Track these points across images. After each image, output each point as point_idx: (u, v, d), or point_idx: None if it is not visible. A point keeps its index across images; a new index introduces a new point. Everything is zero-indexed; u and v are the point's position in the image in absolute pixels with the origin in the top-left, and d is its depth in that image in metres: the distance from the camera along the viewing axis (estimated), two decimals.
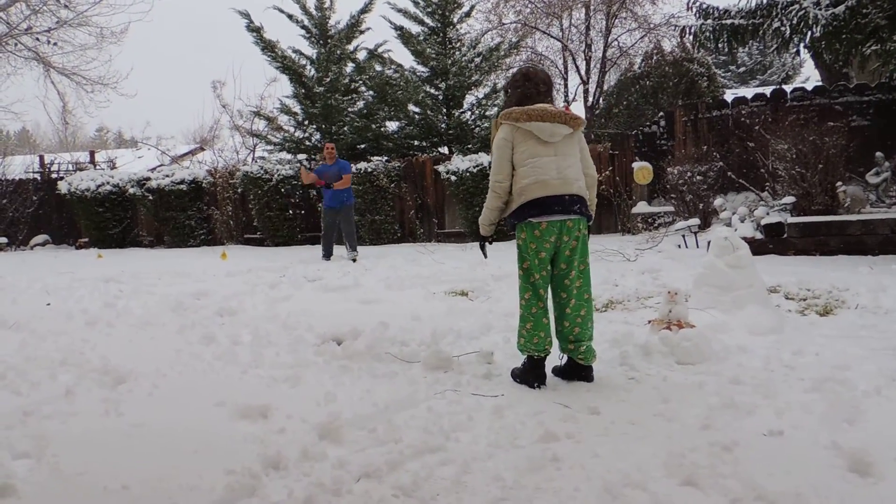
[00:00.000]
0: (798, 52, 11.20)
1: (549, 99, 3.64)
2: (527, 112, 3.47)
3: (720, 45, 10.63)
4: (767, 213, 8.86)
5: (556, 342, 3.61)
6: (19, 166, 18.04)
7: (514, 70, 3.80)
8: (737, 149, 11.28)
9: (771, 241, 8.44)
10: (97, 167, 18.44)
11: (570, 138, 3.56)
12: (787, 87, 12.89)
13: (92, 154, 20.57)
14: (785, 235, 8.44)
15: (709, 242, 7.26)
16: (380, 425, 2.89)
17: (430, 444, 2.68)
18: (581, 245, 3.53)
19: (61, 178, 16.74)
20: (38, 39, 16.66)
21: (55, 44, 16.88)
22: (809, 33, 9.24)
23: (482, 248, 3.99)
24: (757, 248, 7.66)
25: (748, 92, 14.31)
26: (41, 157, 19.59)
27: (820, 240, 8.24)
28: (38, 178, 17.81)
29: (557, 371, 3.65)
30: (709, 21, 10.46)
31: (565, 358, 3.63)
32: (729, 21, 10.16)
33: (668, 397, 3.18)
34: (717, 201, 10.09)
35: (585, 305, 3.57)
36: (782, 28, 9.38)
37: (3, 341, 4.63)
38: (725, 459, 2.45)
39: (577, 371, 3.56)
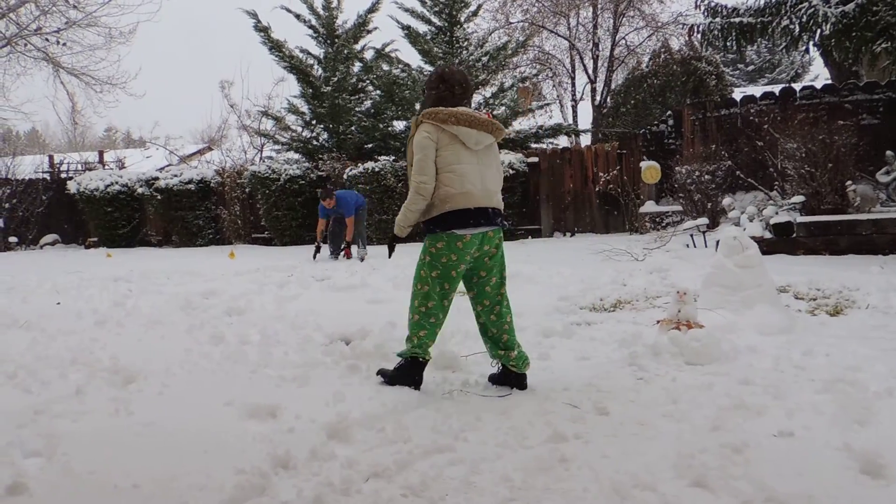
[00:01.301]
0: (807, 51, 11.14)
1: (467, 102, 3.54)
2: (455, 115, 3.36)
3: (729, 44, 10.58)
4: (776, 213, 8.82)
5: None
6: (29, 166, 18.15)
7: (432, 70, 3.72)
8: (745, 148, 11.24)
9: (780, 241, 8.40)
10: (106, 167, 18.54)
11: (490, 148, 3.51)
12: (797, 86, 12.84)
13: (101, 154, 20.68)
14: (794, 235, 8.39)
15: (717, 242, 7.23)
16: (388, 425, 2.89)
17: (439, 444, 2.68)
18: (500, 254, 3.53)
19: (70, 178, 16.84)
20: (47, 40, 16.73)
21: (64, 44, 16.94)
22: (819, 31, 9.20)
23: (391, 248, 3.85)
24: (766, 247, 7.63)
25: (757, 90, 14.25)
26: (51, 157, 19.71)
27: (830, 239, 8.19)
28: (48, 177, 17.91)
29: (493, 379, 3.56)
30: (717, 19, 10.41)
31: (499, 364, 3.55)
32: (737, 19, 10.11)
33: (677, 398, 3.17)
34: (726, 200, 10.06)
35: (510, 313, 3.59)
36: (791, 26, 9.34)
37: (13, 340, 4.65)
38: (736, 461, 2.44)
39: (511, 379, 3.48)
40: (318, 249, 10.35)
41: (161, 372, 3.74)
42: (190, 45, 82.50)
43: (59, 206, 17.12)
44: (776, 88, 12.32)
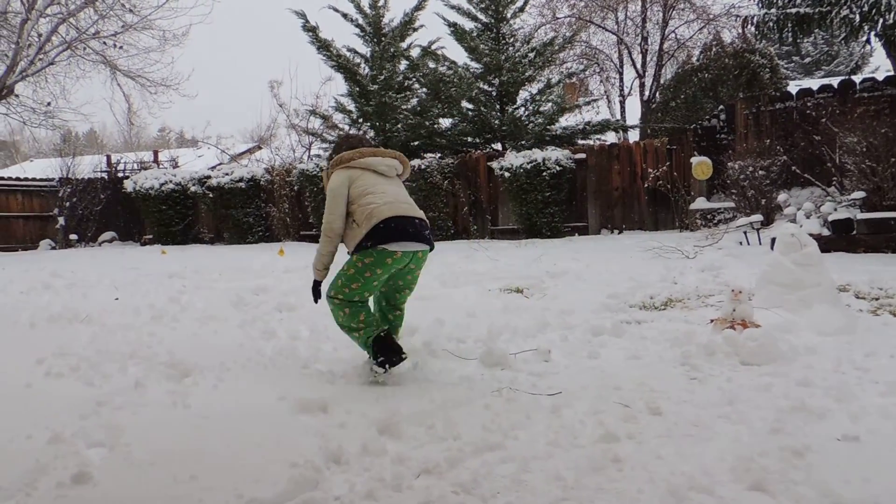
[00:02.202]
0: (868, 41, 10.72)
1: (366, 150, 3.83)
2: (358, 152, 3.68)
3: (784, 35, 10.26)
4: (835, 209, 8.52)
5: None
6: (88, 166, 18.77)
7: (334, 139, 3.99)
8: (802, 142, 10.87)
9: (839, 238, 8.12)
10: (160, 166, 19.06)
11: (400, 178, 3.85)
12: (856, 78, 12.36)
13: (155, 153, 21.27)
14: (854, 232, 8.10)
15: (772, 239, 7.03)
16: (438, 421, 2.89)
17: (489, 442, 2.67)
18: (419, 268, 3.73)
19: (127, 177, 17.35)
20: (105, 43, 17.29)
21: (121, 47, 17.49)
22: (881, 21, 8.85)
23: (315, 292, 3.91)
24: (824, 245, 7.37)
25: (813, 83, 13.80)
26: (108, 157, 20.34)
27: (892, 237, 7.88)
28: (106, 177, 18.49)
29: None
30: (772, 10, 10.11)
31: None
32: (794, 10, 9.79)
33: (733, 399, 3.09)
34: (781, 197, 9.77)
35: (403, 317, 4.03)
36: (851, 16, 9.01)
37: (76, 334, 4.82)
38: (797, 465, 2.36)
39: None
40: None
41: (216, 366, 3.82)
42: (240, 45, 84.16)
43: (117, 204, 17.67)
44: (834, 81, 11.89)
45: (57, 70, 17.66)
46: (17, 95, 17.36)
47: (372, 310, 3.73)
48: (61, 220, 16.63)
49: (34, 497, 2.30)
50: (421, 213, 3.64)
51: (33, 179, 17.70)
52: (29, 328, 5.13)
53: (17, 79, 16.55)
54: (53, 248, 16.40)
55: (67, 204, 16.79)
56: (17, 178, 17.62)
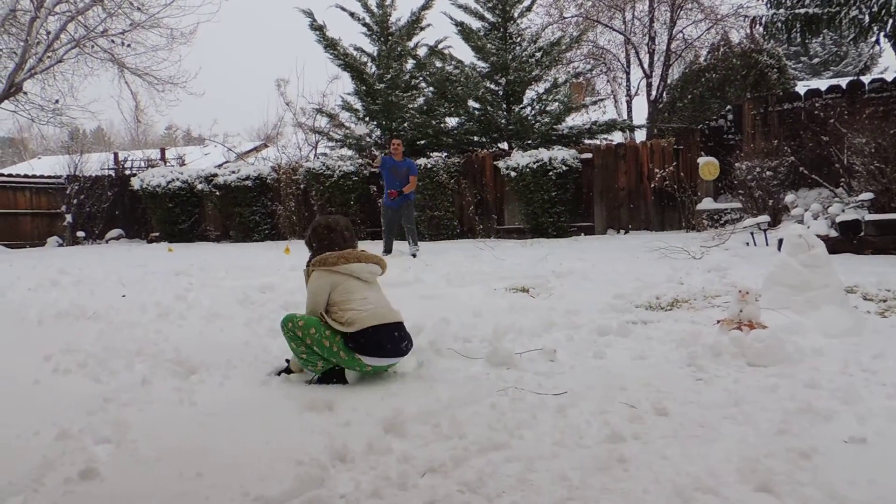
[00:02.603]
0: (877, 41, 10.66)
1: (354, 242, 3.87)
2: (343, 256, 3.66)
3: (792, 36, 10.22)
4: (843, 210, 8.48)
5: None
6: (95, 163, 18.83)
7: (314, 224, 3.90)
8: (810, 143, 10.83)
9: (847, 240, 8.09)
10: (167, 164, 19.11)
11: (377, 280, 3.82)
12: (865, 78, 12.32)
13: (162, 151, 21.32)
14: (862, 233, 8.07)
15: (779, 240, 7.00)
16: (443, 420, 2.89)
17: (495, 441, 2.67)
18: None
19: (134, 175, 17.41)
20: (113, 41, 17.36)
21: (129, 45, 17.55)
22: (891, 21, 8.80)
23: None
24: (832, 246, 7.33)
25: (822, 84, 13.75)
26: (115, 155, 20.41)
27: None
28: (113, 174, 18.56)
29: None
30: (781, 10, 10.07)
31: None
32: (802, 10, 9.75)
33: (739, 400, 3.08)
34: (789, 198, 9.73)
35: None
36: (861, 16, 8.97)
37: (83, 331, 4.85)
38: (803, 466, 2.35)
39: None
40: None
41: (222, 364, 3.84)
42: (248, 44, 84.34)
43: (124, 201, 17.74)
44: (843, 81, 11.84)
45: (65, 68, 17.74)
46: (25, 93, 17.44)
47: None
48: (69, 218, 16.70)
49: (42, 493, 2.31)
50: (401, 317, 3.71)
51: (41, 177, 17.78)
52: (37, 325, 5.16)
53: (26, 76, 16.63)
54: (61, 245, 16.48)
55: (75, 201, 16.87)
56: (26, 176, 17.71)
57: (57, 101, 18.00)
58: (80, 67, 17.75)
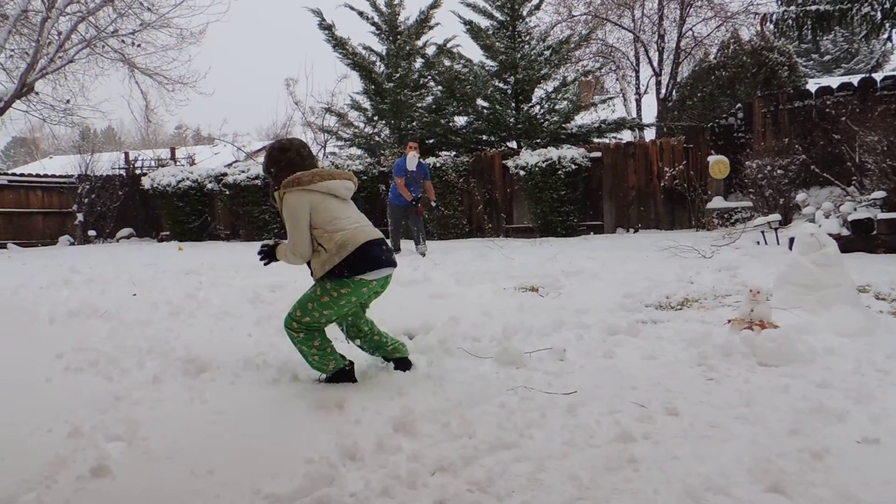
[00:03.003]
0: (889, 38, 10.59)
1: (315, 161, 3.61)
2: (316, 174, 3.41)
3: (803, 33, 10.16)
4: (855, 209, 8.42)
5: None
6: (106, 163, 18.93)
7: (268, 149, 3.66)
8: (821, 141, 10.76)
9: (859, 238, 8.03)
10: (177, 163, 19.20)
11: (350, 196, 3.63)
12: (877, 76, 12.22)
13: (172, 150, 21.41)
14: (874, 232, 8.01)
15: (791, 239, 6.96)
16: (453, 420, 2.89)
17: (504, 441, 2.67)
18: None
19: (144, 174, 17.49)
20: (123, 41, 17.44)
21: (139, 45, 17.62)
22: None
23: (269, 255, 3.90)
24: (843, 245, 7.29)
25: (833, 81, 13.66)
26: (126, 154, 20.52)
27: None
28: (124, 173, 18.65)
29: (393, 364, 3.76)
30: (791, 7, 10.01)
31: (391, 363, 3.75)
32: (814, 7, 9.69)
33: (750, 400, 3.06)
34: (800, 196, 9.67)
35: (371, 320, 3.83)
36: (873, 13, 8.91)
37: (94, 329, 4.87)
38: (816, 467, 2.34)
39: (402, 364, 3.74)
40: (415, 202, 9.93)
41: (232, 362, 3.85)
42: (257, 43, 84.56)
43: (134, 200, 17.82)
44: (854, 79, 11.75)
45: (76, 68, 17.83)
46: (37, 93, 17.54)
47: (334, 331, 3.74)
48: (80, 217, 16.81)
49: (54, 490, 2.33)
50: (380, 233, 3.63)
51: (53, 176, 17.90)
52: (48, 323, 5.19)
53: (37, 76, 16.73)
54: (72, 243, 16.58)
55: (86, 200, 16.97)
56: (37, 175, 17.83)
57: (68, 101, 18.10)
58: (90, 67, 17.85)
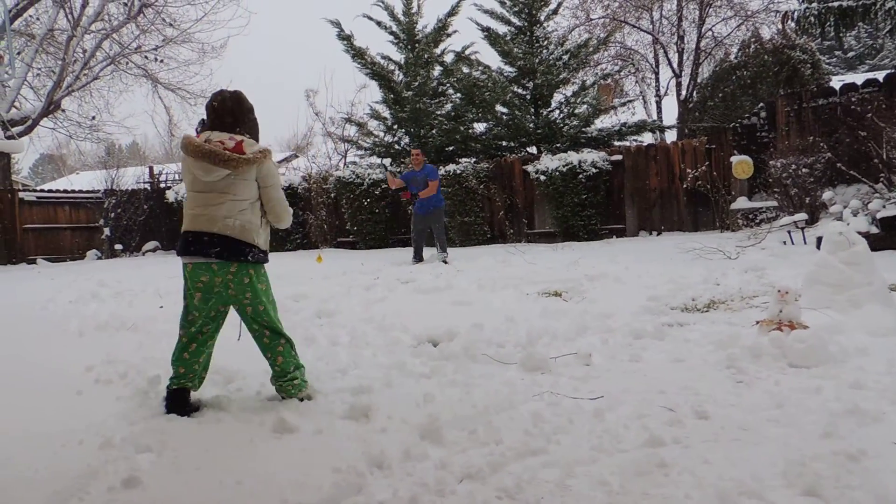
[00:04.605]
0: None
1: (225, 127, 3.28)
2: (186, 144, 3.19)
3: (826, 30, 10.03)
4: (884, 206, 8.26)
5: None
6: (131, 177, 19.21)
7: (225, 99, 3.37)
8: (847, 139, 10.58)
9: (888, 236, 7.87)
10: None
11: (236, 179, 3.20)
12: None
13: None
14: None
15: (818, 238, 6.85)
16: (479, 426, 2.88)
17: (532, 447, 2.65)
18: (238, 287, 3.28)
19: (169, 188, 17.72)
20: (146, 57, 17.77)
21: (162, 61, 17.95)
22: None
23: None
24: (873, 243, 7.10)
25: (858, 78, 13.44)
26: (150, 168, 20.81)
27: None
28: (148, 187, 18.92)
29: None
30: (813, 4, 9.90)
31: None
32: (836, 3, 9.56)
33: (782, 402, 3.01)
34: (827, 194, 9.52)
35: (281, 337, 3.41)
36: None
37: (123, 342, 4.94)
38: (852, 469, 2.29)
39: (176, 398, 3.28)
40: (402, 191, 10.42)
41: (259, 372, 3.86)
42: (277, 55, 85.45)
43: (159, 214, 18.05)
44: (880, 75, 11.54)
45: (101, 84, 18.20)
46: (63, 110, 17.91)
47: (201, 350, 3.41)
48: (107, 231, 17.06)
49: (87, 501, 2.35)
50: (222, 227, 3.24)
51: (79, 191, 18.20)
52: (78, 336, 5.27)
53: (64, 94, 17.09)
54: (99, 258, 16.83)
55: (112, 215, 17.22)
56: (65, 191, 18.15)
57: (93, 118, 18.44)
58: (115, 84, 18.21)
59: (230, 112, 3.32)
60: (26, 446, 2.81)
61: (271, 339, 3.39)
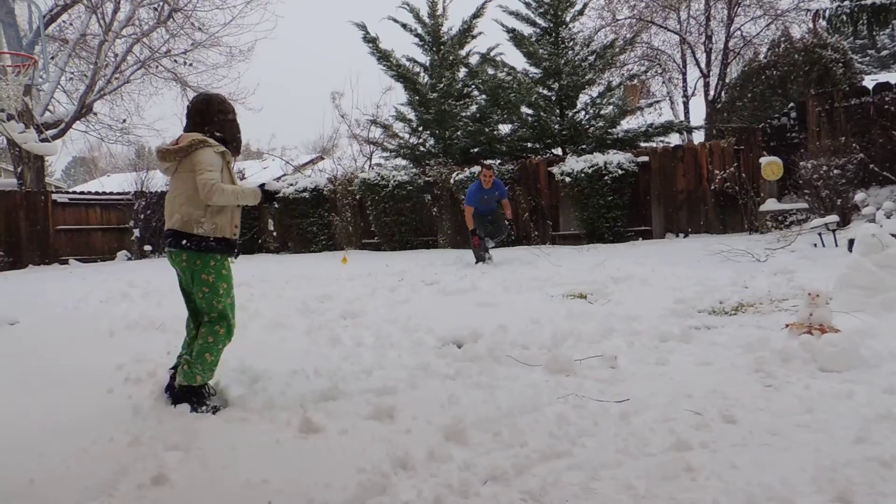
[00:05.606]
0: None
1: (195, 127, 3.50)
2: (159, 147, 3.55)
3: (858, 28, 9.83)
4: None
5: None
6: (161, 180, 19.47)
7: (209, 101, 3.60)
8: (880, 139, 10.37)
9: None
10: None
11: (179, 173, 3.45)
12: None
13: None
14: None
15: (850, 241, 6.73)
16: (504, 428, 2.87)
17: (556, 449, 2.64)
18: (191, 274, 3.48)
19: None
20: (175, 61, 18.04)
21: (191, 64, 18.21)
22: None
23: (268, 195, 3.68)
24: None
25: (891, 77, 13.16)
26: None
27: None
28: None
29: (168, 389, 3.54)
30: (845, 3, 9.71)
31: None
32: (869, 1, 9.37)
33: (812, 407, 2.95)
34: (859, 196, 9.34)
35: (207, 327, 3.51)
36: None
37: (152, 341, 5.02)
38: (885, 476, 2.24)
39: (173, 391, 3.46)
40: (481, 246, 9.87)
41: (285, 373, 3.90)
42: (303, 58, 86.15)
43: None
44: None
45: (132, 88, 18.52)
46: (95, 113, 18.25)
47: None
48: (136, 232, 17.33)
49: (116, 497, 2.39)
50: (173, 221, 3.51)
51: (110, 193, 18.52)
52: (108, 336, 5.36)
53: (96, 97, 17.42)
54: (129, 258, 17.10)
55: (142, 216, 17.48)
56: (96, 193, 18.47)
57: (124, 121, 18.76)
58: (145, 87, 18.52)
59: (199, 113, 3.53)
60: (59, 442, 2.88)
61: (207, 326, 3.52)
